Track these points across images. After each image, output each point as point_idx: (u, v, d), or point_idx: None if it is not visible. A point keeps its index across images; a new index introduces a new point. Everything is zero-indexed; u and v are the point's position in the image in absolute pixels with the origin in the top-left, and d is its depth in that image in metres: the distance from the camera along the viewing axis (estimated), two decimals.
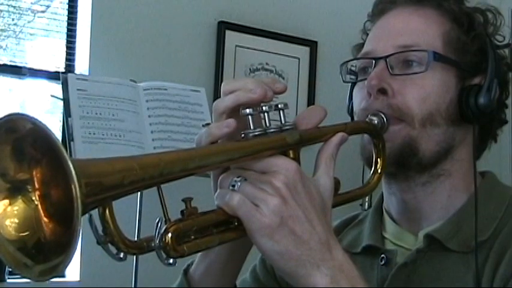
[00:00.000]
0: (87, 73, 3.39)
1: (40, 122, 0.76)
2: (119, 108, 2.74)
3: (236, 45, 3.81)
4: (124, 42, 3.53)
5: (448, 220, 1.23)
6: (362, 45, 1.34)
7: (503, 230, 1.19)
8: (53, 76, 3.43)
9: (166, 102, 2.84)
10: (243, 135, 1.00)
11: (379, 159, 1.20)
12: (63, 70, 3.47)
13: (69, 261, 0.76)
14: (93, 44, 3.47)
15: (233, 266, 1.16)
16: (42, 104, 3.70)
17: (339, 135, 1.07)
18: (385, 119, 1.20)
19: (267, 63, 3.91)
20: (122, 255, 0.89)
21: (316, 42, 4.04)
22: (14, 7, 3.53)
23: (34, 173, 0.81)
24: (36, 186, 0.81)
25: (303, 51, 4.02)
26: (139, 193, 2.71)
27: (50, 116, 3.73)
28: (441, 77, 1.23)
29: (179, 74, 3.50)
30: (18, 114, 0.78)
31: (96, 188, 0.80)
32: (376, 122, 1.19)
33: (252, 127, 1.00)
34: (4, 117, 0.78)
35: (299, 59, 4.02)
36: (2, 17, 3.54)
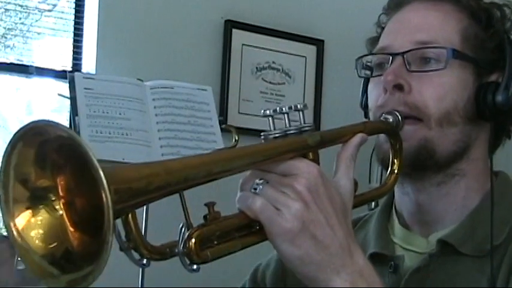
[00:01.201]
0: (94, 72, 3.39)
1: (68, 128, 0.75)
2: (125, 107, 2.74)
3: (243, 44, 3.81)
4: (131, 41, 3.53)
5: (461, 223, 1.21)
6: (376, 38, 1.33)
7: None
8: (60, 75, 3.43)
9: (173, 101, 2.84)
10: (262, 136, 1.01)
11: (395, 160, 1.19)
12: (70, 69, 3.47)
13: (101, 271, 0.75)
14: (100, 43, 3.47)
15: None
16: (49, 103, 3.71)
17: (359, 136, 1.07)
18: (400, 118, 1.18)
19: (273, 62, 3.90)
20: (144, 261, 0.88)
21: (323, 41, 4.03)
22: (21, 6, 3.53)
23: (58, 180, 0.79)
24: (60, 194, 0.80)
25: (310, 50, 4.01)
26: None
27: (57, 115, 3.74)
28: (459, 74, 1.21)
29: (186, 73, 3.49)
30: (46, 120, 0.76)
31: (125, 195, 0.79)
32: (391, 120, 1.18)
33: (272, 128, 1.01)
34: (31, 123, 0.77)
35: (306, 57, 4.01)
36: (9, 16, 3.54)
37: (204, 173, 0.90)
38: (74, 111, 2.69)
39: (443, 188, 1.23)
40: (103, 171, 0.72)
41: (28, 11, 3.57)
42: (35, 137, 0.77)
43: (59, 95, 3.12)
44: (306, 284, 0.97)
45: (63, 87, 3.03)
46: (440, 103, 1.19)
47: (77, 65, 3.52)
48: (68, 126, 3.35)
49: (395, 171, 1.19)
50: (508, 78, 1.21)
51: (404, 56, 1.21)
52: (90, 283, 0.76)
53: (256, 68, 3.86)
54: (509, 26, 1.27)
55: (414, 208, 1.27)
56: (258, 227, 0.96)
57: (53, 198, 0.80)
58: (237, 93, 3.75)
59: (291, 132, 1.01)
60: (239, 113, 3.69)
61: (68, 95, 2.73)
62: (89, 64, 3.49)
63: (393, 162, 1.19)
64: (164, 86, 2.90)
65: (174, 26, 3.66)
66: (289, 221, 0.92)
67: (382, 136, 1.22)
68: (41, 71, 3.47)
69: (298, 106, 1.02)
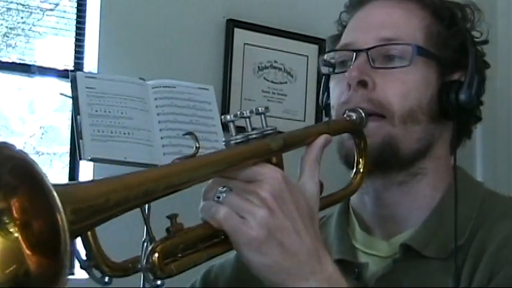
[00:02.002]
0: (96, 71, 3.39)
1: (20, 150, 0.72)
2: (127, 106, 2.74)
3: (245, 43, 3.81)
4: (132, 40, 3.53)
5: (423, 225, 1.19)
6: (338, 37, 1.31)
7: (478, 234, 1.15)
8: (61, 74, 3.43)
9: (175, 100, 2.84)
10: (224, 142, 0.98)
11: (361, 159, 1.17)
12: (72, 68, 3.47)
13: None
14: (101, 42, 3.47)
15: None
16: (51, 102, 3.71)
17: (323, 138, 1.05)
18: (363, 115, 1.16)
19: (275, 61, 3.90)
20: (106, 279, 0.85)
21: (324, 40, 4.01)
22: (23, 5, 3.53)
23: (12, 202, 0.75)
24: (15, 216, 0.75)
25: (312, 49, 4.00)
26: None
27: (59, 114, 3.74)
28: (423, 72, 1.20)
29: (188, 72, 3.49)
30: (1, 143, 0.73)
31: (82, 214, 0.76)
32: (354, 117, 1.16)
33: (233, 134, 0.98)
34: None
35: (308, 57, 4.00)
36: (11, 15, 3.54)
37: (164, 186, 0.87)
38: (75, 111, 2.69)
39: (405, 187, 1.22)
40: (57, 192, 0.69)
41: (30, 10, 3.57)
42: None
43: (61, 94, 3.12)
44: None
45: (65, 86, 3.03)
46: (404, 100, 1.18)
47: (78, 64, 3.52)
48: (70, 125, 3.35)
49: (361, 170, 1.17)
50: (471, 77, 1.21)
51: (369, 53, 1.19)
52: None
53: (258, 67, 3.85)
54: (469, 26, 1.27)
55: (374, 208, 1.24)
56: (223, 237, 0.93)
57: (7, 221, 0.75)
58: (238, 93, 3.75)
59: (253, 137, 0.98)
60: None
61: (70, 94, 2.73)
62: (90, 63, 3.49)
63: (358, 162, 1.17)
64: (166, 85, 2.90)
65: (176, 25, 3.66)
66: (255, 229, 0.89)
67: (345, 134, 1.20)
68: (43, 70, 3.47)
69: (260, 109, 1.00)
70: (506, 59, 4.10)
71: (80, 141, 2.64)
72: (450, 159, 1.25)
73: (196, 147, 0.95)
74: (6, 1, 3.48)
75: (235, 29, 3.78)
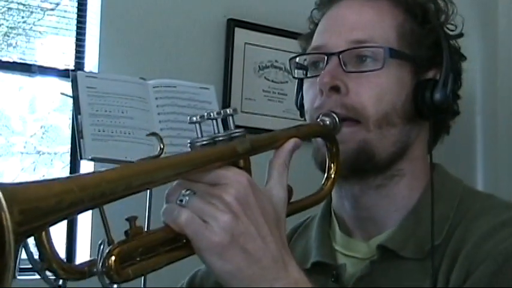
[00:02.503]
0: (96, 71, 3.39)
1: None
2: (128, 106, 2.74)
3: (245, 43, 3.81)
4: (133, 40, 3.53)
5: (400, 225, 1.18)
6: (310, 35, 1.29)
7: (455, 233, 1.13)
8: (62, 74, 3.43)
9: (176, 100, 2.84)
10: (189, 144, 0.96)
11: (332, 164, 1.14)
12: (73, 68, 3.47)
13: None
14: (102, 41, 3.47)
15: None
16: (52, 102, 3.71)
17: (292, 142, 1.02)
18: (337, 119, 1.14)
19: (276, 61, 3.90)
20: (60, 282, 0.83)
21: None
22: (24, 5, 3.53)
23: None
24: None
25: None
26: (148, 192, 2.71)
27: (60, 114, 3.74)
28: (396, 73, 1.18)
29: (188, 72, 3.49)
30: None
31: (31, 215, 0.73)
32: (328, 122, 1.14)
33: (199, 135, 0.96)
34: None
35: None
36: (12, 14, 3.54)
37: (123, 187, 0.83)
38: (76, 110, 2.70)
39: (383, 190, 1.20)
40: (4, 191, 0.67)
41: (31, 9, 3.57)
42: None
43: (62, 93, 3.12)
44: None
45: (66, 86, 3.03)
46: (379, 104, 1.16)
47: (79, 64, 3.52)
48: (71, 125, 3.35)
49: (332, 175, 1.14)
50: (445, 75, 1.18)
51: (340, 56, 1.17)
52: None
53: (259, 66, 3.85)
54: (444, 18, 1.24)
55: (353, 212, 1.23)
56: (184, 241, 0.90)
57: None
58: (239, 92, 3.75)
59: (220, 139, 0.96)
60: (242, 111, 3.68)
61: (71, 94, 2.73)
62: (91, 63, 3.49)
63: (330, 167, 1.14)
64: (167, 84, 2.90)
65: (177, 25, 3.66)
66: (218, 234, 0.87)
67: (320, 140, 1.17)
68: (44, 70, 3.47)
69: (228, 111, 0.97)
70: (507, 59, 4.10)
71: (81, 140, 2.64)
72: (428, 158, 1.22)
73: (160, 148, 0.93)
74: (7, 1, 3.48)
75: (236, 29, 3.77)
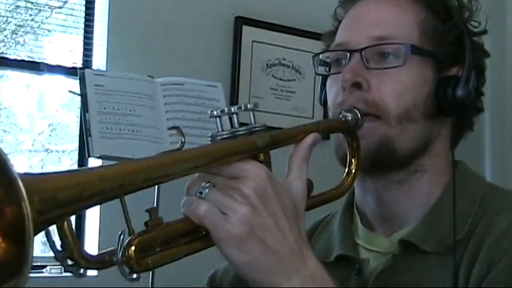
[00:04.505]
0: (104, 69, 3.39)
1: None
2: (136, 104, 2.75)
3: (253, 41, 3.80)
4: (141, 37, 3.53)
5: (423, 220, 1.19)
6: (333, 32, 1.30)
7: (477, 228, 1.14)
8: (70, 72, 3.44)
9: (184, 98, 2.85)
10: (210, 138, 0.97)
11: (353, 159, 1.15)
12: (81, 66, 3.47)
13: (23, 284, 0.71)
14: (110, 39, 3.47)
15: None
16: (60, 100, 3.72)
17: (311, 136, 1.03)
18: (359, 115, 1.15)
19: (283, 59, 3.90)
20: (82, 271, 0.84)
21: None
22: (32, 3, 3.54)
23: None
24: None
25: (320, 47, 4.00)
26: (156, 187, 2.72)
27: (68, 112, 3.75)
28: (418, 70, 1.19)
29: (196, 70, 3.50)
30: None
31: (51, 204, 0.75)
32: (350, 118, 1.14)
33: (220, 129, 0.97)
34: None
35: None
36: (20, 13, 3.55)
37: (142, 179, 0.86)
38: (84, 108, 2.70)
39: (405, 186, 1.21)
40: (26, 181, 0.69)
41: (38, 7, 3.58)
42: None
43: (70, 91, 3.13)
44: None
45: (74, 84, 3.04)
46: (400, 100, 1.17)
47: (87, 62, 3.53)
48: (79, 122, 3.36)
49: (353, 171, 1.16)
50: (468, 71, 1.19)
51: (362, 53, 1.18)
52: None
53: (267, 64, 3.85)
54: (467, 15, 1.24)
55: (376, 207, 1.24)
56: (204, 233, 0.91)
57: None
58: (247, 90, 3.75)
59: (240, 133, 0.96)
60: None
61: (79, 92, 2.74)
62: (99, 61, 3.49)
63: (351, 162, 1.16)
64: (175, 82, 2.90)
65: (185, 23, 3.66)
66: (236, 226, 0.88)
67: (341, 135, 1.19)
68: (52, 68, 3.48)
69: (248, 106, 0.97)
70: None
71: (89, 138, 2.64)
72: (451, 155, 1.23)
73: (181, 141, 0.94)
74: None
75: (244, 27, 3.77)
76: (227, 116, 0.98)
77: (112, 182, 0.82)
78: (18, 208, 0.69)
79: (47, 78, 3.55)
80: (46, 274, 3.13)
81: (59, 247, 0.82)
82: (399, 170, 1.20)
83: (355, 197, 1.30)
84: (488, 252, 1.10)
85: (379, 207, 1.24)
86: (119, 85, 2.76)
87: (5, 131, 3.62)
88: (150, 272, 2.87)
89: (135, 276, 0.86)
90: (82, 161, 3.40)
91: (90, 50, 3.54)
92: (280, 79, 3.88)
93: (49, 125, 3.73)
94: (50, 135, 3.74)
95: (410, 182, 1.21)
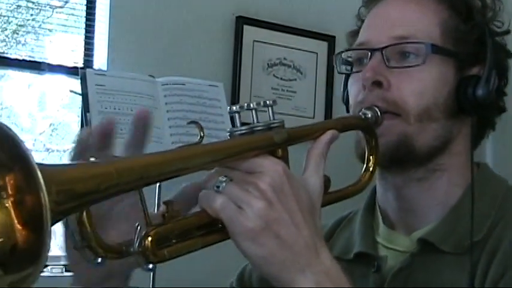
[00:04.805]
0: (105, 68, 3.39)
1: (9, 128, 0.73)
2: (137, 104, 2.74)
3: (254, 40, 3.81)
4: (142, 37, 3.53)
5: (442, 220, 1.20)
6: (356, 32, 1.31)
7: (495, 230, 1.15)
8: (71, 71, 3.44)
9: (185, 97, 2.84)
10: (229, 133, 0.98)
11: (371, 157, 1.16)
12: (82, 65, 3.47)
13: (39, 273, 0.72)
14: (111, 39, 3.47)
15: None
16: (61, 99, 3.72)
17: (330, 133, 1.04)
18: (379, 113, 1.16)
19: (284, 58, 3.90)
20: (99, 260, 0.86)
21: (334, 37, 4.02)
22: (33, 2, 3.54)
23: (7, 179, 0.76)
24: (10, 192, 0.76)
25: (321, 46, 4.00)
26: (157, 186, 2.72)
27: (69, 111, 3.75)
28: (439, 69, 1.19)
29: (197, 69, 3.50)
30: None
31: (69, 195, 0.76)
32: (369, 115, 1.16)
33: (238, 125, 0.98)
34: None
35: (317, 53, 4.00)
36: (21, 12, 3.55)
37: (160, 172, 0.87)
38: (85, 108, 2.70)
39: (425, 183, 1.22)
40: (44, 171, 0.70)
41: (39, 7, 3.58)
42: None
43: (71, 91, 3.13)
44: (272, 283, 0.94)
45: (75, 83, 3.04)
46: (420, 99, 1.18)
47: (88, 62, 3.53)
48: (80, 122, 3.36)
49: (371, 168, 1.16)
50: (489, 71, 1.19)
51: (383, 52, 1.19)
52: (29, 285, 0.74)
53: (268, 64, 3.85)
54: (490, 15, 1.25)
55: (397, 204, 1.25)
56: (220, 226, 0.93)
57: (4, 196, 0.77)
58: (248, 90, 3.75)
59: (259, 128, 0.97)
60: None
61: (80, 92, 2.74)
62: (100, 60, 3.50)
63: (368, 159, 1.17)
64: (176, 82, 2.90)
65: (186, 23, 3.66)
66: (251, 220, 0.89)
67: (361, 132, 1.19)
68: (53, 68, 3.48)
69: (267, 102, 0.99)
70: None
71: None
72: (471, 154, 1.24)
73: (200, 136, 0.95)
74: None
75: (245, 26, 3.78)
76: (246, 112, 0.99)
77: (130, 175, 0.83)
78: (37, 198, 0.70)
79: (48, 77, 3.55)
80: (47, 274, 3.14)
81: (77, 236, 0.84)
82: (418, 168, 1.21)
83: (377, 195, 1.31)
84: (505, 254, 1.11)
85: (399, 203, 1.25)
86: (120, 85, 2.76)
87: None
88: (151, 272, 2.88)
89: (150, 266, 0.88)
90: None
91: (91, 50, 3.54)
92: (281, 79, 3.88)
93: (50, 125, 3.73)
94: (51, 135, 3.74)
95: (429, 180, 1.22)
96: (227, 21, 3.77)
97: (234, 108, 0.98)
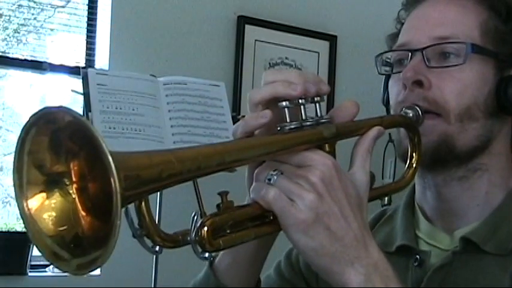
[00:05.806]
0: (107, 68, 3.40)
1: (80, 115, 0.75)
2: (138, 103, 2.75)
3: (256, 40, 3.81)
4: (144, 37, 3.53)
5: (485, 221, 1.20)
6: (396, 34, 1.32)
7: None
8: (73, 71, 3.45)
9: (186, 97, 2.84)
10: (279, 128, 1.00)
11: (414, 154, 1.18)
12: (83, 65, 3.48)
13: (109, 255, 0.75)
14: (113, 39, 3.48)
15: (259, 255, 1.14)
16: (63, 99, 3.72)
17: (376, 129, 1.06)
18: (420, 112, 1.17)
19: (286, 58, 3.90)
20: (157, 248, 0.89)
21: (335, 37, 4.02)
22: (35, 2, 3.54)
23: (71, 166, 0.80)
24: (74, 179, 0.81)
25: (323, 46, 4.00)
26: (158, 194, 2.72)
27: None
28: (479, 69, 1.20)
29: (199, 69, 3.50)
30: (58, 107, 0.77)
31: (135, 182, 0.79)
32: (411, 115, 1.17)
33: (288, 120, 1.00)
34: (43, 109, 0.79)
35: (319, 53, 4.00)
36: (22, 12, 3.55)
37: (217, 162, 0.90)
38: (87, 107, 2.70)
39: (466, 183, 1.22)
40: (113, 157, 0.72)
41: (41, 7, 3.58)
42: (48, 124, 0.79)
43: (72, 91, 3.13)
44: (321, 276, 0.97)
45: (77, 83, 3.04)
46: (460, 99, 1.18)
47: (90, 61, 3.53)
48: None
49: (414, 165, 1.19)
50: None
51: (424, 52, 1.20)
52: (97, 267, 0.78)
53: (269, 63, 3.85)
54: None
55: (436, 202, 1.26)
56: (271, 218, 0.95)
57: (67, 183, 0.81)
58: (250, 89, 3.74)
59: (308, 124, 1.00)
60: None
61: (81, 91, 2.74)
62: (102, 60, 3.50)
63: (412, 156, 1.19)
64: (177, 81, 2.90)
65: (187, 22, 3.66)
66: (303, 212, 0.92)
67: (402, 132, 1.21)
68: (54, 67, 3.49)
69: (315, 98, 1.02)
70: None
71: None
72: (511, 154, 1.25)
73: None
74: None
75: (246, 26, 3.78)
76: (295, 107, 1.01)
77: (189, 164, 0.86)
78: (107, 183, 0.72)
79: (50, 77, 3.55)
80: (49, 273, 3.14)
81: (136, 225, 0.87)
82: (459, 167, 1.22)
83: (416, 194, 1.32)
84: None
85: (439, 203, 1.25)
86: (121, 84, 2.76)
87: (8, 130, 3.62)
88: (152, 272, 2.88)
89: (206, 255, 0.92)
90: None
91: (93, 49, 3.55)
92: None
93: None
94: None
95: (470, 179, 1.23)
96: (229, 20, 3.78)
97: (284, 103, 1.00)
